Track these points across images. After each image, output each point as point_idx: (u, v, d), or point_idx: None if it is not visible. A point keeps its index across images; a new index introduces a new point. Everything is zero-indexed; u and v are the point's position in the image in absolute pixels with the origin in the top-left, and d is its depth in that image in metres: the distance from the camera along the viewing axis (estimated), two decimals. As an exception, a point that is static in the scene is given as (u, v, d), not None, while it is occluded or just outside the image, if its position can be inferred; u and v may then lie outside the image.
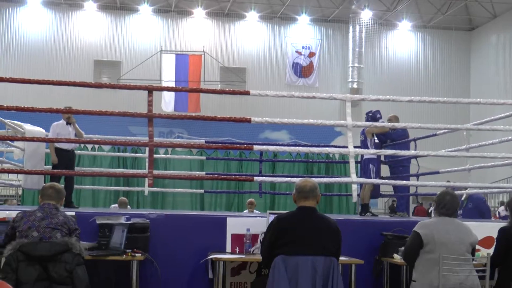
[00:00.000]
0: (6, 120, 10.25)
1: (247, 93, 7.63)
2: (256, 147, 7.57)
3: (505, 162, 9.45)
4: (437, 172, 10.49)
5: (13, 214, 5.90)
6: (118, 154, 13.91)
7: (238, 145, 8.41)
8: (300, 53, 26.20)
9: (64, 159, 9.58)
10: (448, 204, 5.51)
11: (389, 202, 17.17)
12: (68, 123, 9.73)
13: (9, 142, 10.87)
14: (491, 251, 6.09)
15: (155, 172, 7.61)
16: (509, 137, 9.12)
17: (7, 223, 5.78)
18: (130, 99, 22.10)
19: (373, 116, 10.33)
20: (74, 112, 8.90)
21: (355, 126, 7.81)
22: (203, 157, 13.86)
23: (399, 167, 10.61)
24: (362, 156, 9.96)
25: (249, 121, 7.29)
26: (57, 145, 9.53)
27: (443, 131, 10.41)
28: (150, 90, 7.17)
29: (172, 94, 23.41)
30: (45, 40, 24.31)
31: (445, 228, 5.42)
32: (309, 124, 8.04)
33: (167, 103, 23.64)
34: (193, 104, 23.45)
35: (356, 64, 25.64)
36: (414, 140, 10.45)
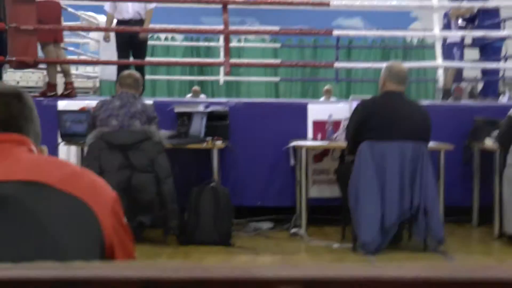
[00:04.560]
0: (79, 12, 10.12)
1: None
2: (335, 32, 7.23)
3: None
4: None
5: (92, 103, 5.84)
6: (191, 43, 13.75)
7: (316, 30, 8.07)
8: None
9: (125, 34, 7.92)
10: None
11: (469, 88, 16.53)
12: None
13: (83, 34, 10.83)
14: None
15: (230, 60, 7.39)
16: None
17: (87, 113, 5.75)
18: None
19: (458, -4, 9.74)
20: None
21: (441, 8, 7.34)
22: (277, 45, 13.57)
23: (490, 50, 10.04)
24: (444, 41, 9.48)
25: (327, 4, 6.93)
26: (116, 15, 8.11)
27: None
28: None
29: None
30: None
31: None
32: (391, 6, 7.61)
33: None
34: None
35: None
36: (504, 20, 9.84)
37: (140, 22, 7.93)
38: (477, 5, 8.96)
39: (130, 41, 7.93)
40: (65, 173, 1.40)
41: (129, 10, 7.95)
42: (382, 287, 0.64)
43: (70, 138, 5.74)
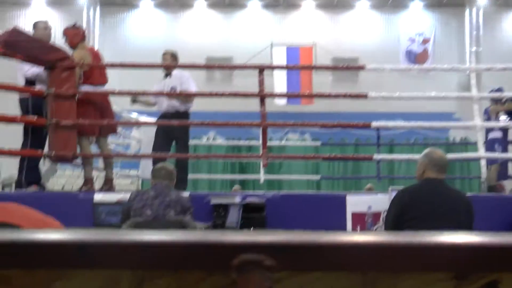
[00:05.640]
0: (123, 114, 10.34)
1: (362, 68, 7.27)
2: (373, 124, 7.18)
3: None
4: None
5: (128, 196, 5.82)
6: (233, 143, 13.86)
7: (355, 123, 8.03)
8: (413, 40, 25.26)
9: (163, 127, 7.82)
10: None
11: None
12: (167, 74, 7.87)
13: (127, 133, 11.04)
14: None
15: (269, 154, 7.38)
16: None
17: (123, 204, 5.72)
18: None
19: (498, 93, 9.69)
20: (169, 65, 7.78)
21: (481, 98, 7.26)
22: (318, 143, 13.58)
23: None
24: (486, 137, 9.35)
25: (365, 97, 6.93)
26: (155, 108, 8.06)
27: None
28: (261, 69, 6.96)
29: (284, 88, 23.06)
30: (157, 41, 24.58)
31: None
32: (430, 98, 7.57)
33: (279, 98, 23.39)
34: (306, 98, 23.07)
35: (474, 48, 24.49)
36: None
37: (176, 114, 7.72)
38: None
39: (169, 135, 7.82)
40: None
41: (163, 104, 7.83)
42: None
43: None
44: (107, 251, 0.66)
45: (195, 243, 0.66)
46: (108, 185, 7.41)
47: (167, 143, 7.87)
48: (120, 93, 7.47)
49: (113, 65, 7.54)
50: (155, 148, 7.84)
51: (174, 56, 7.90)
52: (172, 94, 7.57)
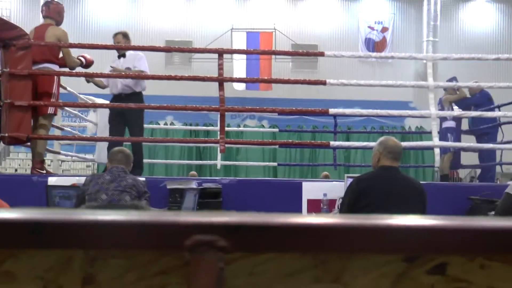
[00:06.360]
0: (80, 95, 10.16)
1: (321, 54, 7.29)
2: (331, 111, 7.23)
3: None
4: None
5: (83, 180, 5.76)
6: (190, 128, 13.83)
7: (312, 109, 8.07)
8: (372, 29, 25.46)
9: (115, 110, 7.68)
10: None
11: (471, 173, 16.40)
12: (120, 55, 7.85)
13: (83, 116, 10.88)
14: None
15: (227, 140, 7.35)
16: None
17: (77, 189, 5.65)
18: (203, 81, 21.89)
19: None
20: (119, 48, 7.66)
21: (437, 87, 7.35)
22: (276, 130, 13.65)
23: (484, 137, 10.00)
24: (440, 126, 9.49)
25: (324, 83, 6.96)
26: (110, 89, 7.91)
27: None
28: (220, 53, 6.93)
29: (244, 73, 23.05)
30: (116, 24, 24.31)
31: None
32: (386, 85, 7.65)
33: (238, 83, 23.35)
34: (264, 83, 23.07)
35: (430, 38, 24.76)
36: (498, 106, 9.85)
37: (132, 95, 7.68)
38: (473, 86, 8.99)
39: (123, 117, 7.71)
40: None
41: (118, 85, 7.75)
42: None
43: (58, 213, 5.61)
44: (58, 230, 0.66)
45: (147, 223, 0.66)
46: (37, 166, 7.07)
47: (122, 126, 7.81)
48: (66, 74, 7.35)
49: (64, 46, 7.31)
50: (111, 132, 7.76)
51: (125, 36, 7.83)
52: (125, 76, 7.48)
